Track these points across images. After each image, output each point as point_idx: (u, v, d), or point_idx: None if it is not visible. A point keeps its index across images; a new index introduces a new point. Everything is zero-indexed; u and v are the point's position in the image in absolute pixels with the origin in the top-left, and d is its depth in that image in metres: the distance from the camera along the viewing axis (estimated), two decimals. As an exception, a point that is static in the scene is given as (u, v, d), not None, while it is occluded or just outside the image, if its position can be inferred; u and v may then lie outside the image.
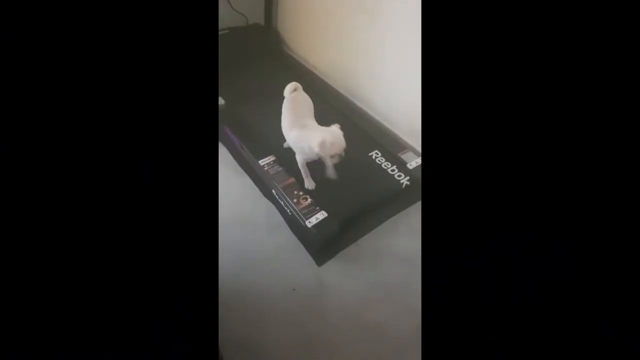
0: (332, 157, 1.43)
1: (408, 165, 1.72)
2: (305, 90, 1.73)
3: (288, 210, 1.53)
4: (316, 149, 1.40)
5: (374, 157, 1.76)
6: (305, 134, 1.47)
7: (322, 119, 1.71)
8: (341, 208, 1.52)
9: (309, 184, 1.58)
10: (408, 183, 1.65)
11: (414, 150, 1.82)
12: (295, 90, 1.65)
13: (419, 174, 1.69)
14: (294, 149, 1.57)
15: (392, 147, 1.82)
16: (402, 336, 1.30)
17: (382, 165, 1.73)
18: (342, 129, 1.51)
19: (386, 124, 1.98)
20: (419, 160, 1.76)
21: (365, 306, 1.37)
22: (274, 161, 1.68)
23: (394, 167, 1.71)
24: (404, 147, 1.84)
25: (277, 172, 1.64)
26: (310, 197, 1.54)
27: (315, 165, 1.59)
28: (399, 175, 1.68)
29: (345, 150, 1.46)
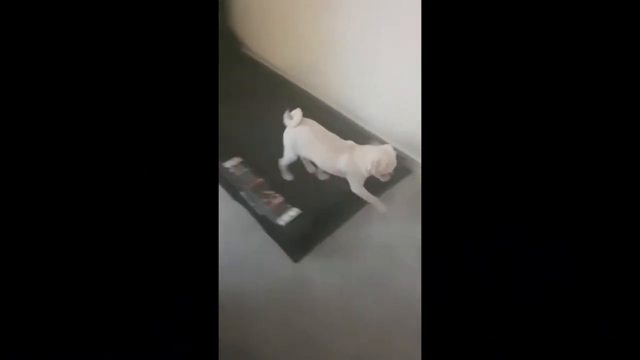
0: (383, 175, 1.45)
1: None
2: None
3: (259, 211, 1.53)
4: (368, 167, 1.40)
5: None
6: (359, 154, 1.44)
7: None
8: (312, 203, 1.53)
9: (381, 207, 1.56)
10: None
11: (379, 140, 1.84)
12: (300, 118, 1.54)
13: None
14: (344, 173, 1.50)
15: (358, 138, 1.82)
16: (386, 322, 1.32)
17: None
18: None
19: (350, 117, 2.00)
20: None
21: (348, 296, 1.39)
22: (240, 163, 1.68)
23: None
24: (369, 137, 1.86)
25: (244, 173, 1.64)
26: (281, 195, 1.55)
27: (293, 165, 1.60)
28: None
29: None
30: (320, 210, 1.53)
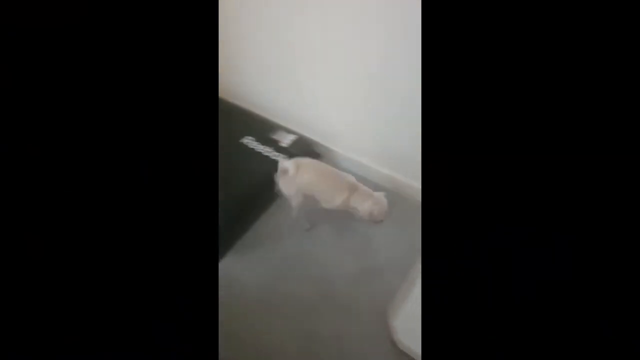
0: (375, 222, 1.51)
1: (282, 144, 1.78)
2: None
3: None
4: (365, 218, 1.47)
5: (246, 143, 1.80)
6: (355, 200, 1.47)
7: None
8: (225, 199, 1.53)
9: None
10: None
11: (285, 129, 1.88)
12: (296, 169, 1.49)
13: (294, 150, 1.77)
14: (335, 207, 1.53)
15: (264, 129, 1.86)
16: (314, 302, 1.41)
17: (257, 150, 1.77)
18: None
19: (253, 109, 2.02)
20: (291, 137, 1.83)
21: (275, 284, 1.45)
22: None
23: (270, 148, 1.77)
24: (275, 127, 1.89)
25: None
26: None
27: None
28: (276, 155, 1.73)
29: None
30: (233, 207, 1.54)
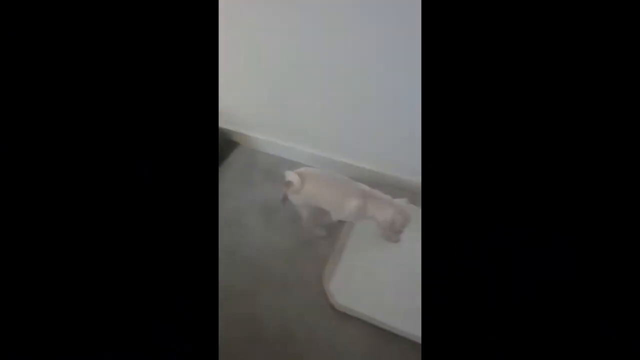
0: (396, 232, 1.38)
1: None
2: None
3: None
4: (387, 232, 1.36)
5: None
6: (373, 207, 1.33)
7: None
8: None
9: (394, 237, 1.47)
10: None
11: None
12: (300, 179, 1.38)
13: None
14: (347, 217, 1.40)
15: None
16: (251, 287, 1.47)
17: None
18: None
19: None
20: None
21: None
22: None
23: None
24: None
25: None
26: None
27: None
28: None
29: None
30: None
